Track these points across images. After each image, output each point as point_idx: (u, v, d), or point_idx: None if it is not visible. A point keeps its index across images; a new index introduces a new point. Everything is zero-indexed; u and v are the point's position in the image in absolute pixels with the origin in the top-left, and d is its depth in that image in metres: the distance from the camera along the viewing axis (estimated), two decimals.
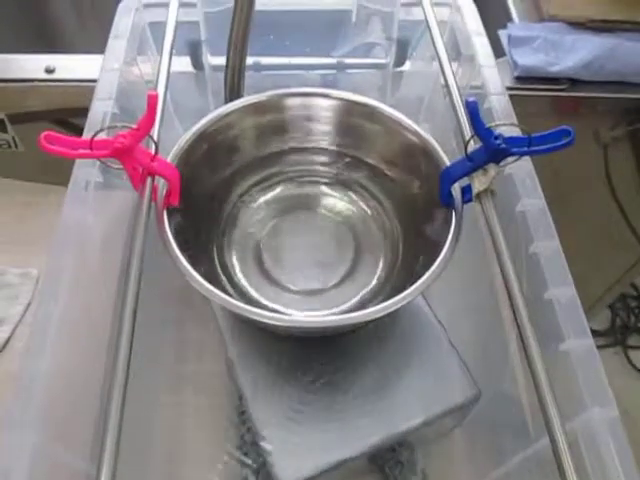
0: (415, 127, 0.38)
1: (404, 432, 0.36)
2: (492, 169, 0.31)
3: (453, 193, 0.35)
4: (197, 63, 0.49)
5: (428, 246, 0.37)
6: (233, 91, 0.42)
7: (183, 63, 0.52)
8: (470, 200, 0.34)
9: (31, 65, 0.58)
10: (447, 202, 0.35)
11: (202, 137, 0.37)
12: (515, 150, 0.30)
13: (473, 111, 0.29)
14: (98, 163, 0.33)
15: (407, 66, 0.54)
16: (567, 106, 0.63)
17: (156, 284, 0.43)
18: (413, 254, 0.38)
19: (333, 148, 0.42)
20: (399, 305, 0.30)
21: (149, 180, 0.31)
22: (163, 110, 0.34)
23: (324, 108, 0.41)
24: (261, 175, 0.42)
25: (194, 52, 0.48)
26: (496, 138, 0.30)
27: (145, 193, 0.31)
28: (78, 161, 0.33)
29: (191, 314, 0.44)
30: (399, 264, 0.39)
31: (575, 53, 0.61)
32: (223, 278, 0.38)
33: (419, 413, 0.36)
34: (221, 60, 0.44)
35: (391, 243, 0.40)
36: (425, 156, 0.38)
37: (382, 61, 0.51)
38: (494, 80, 0.40)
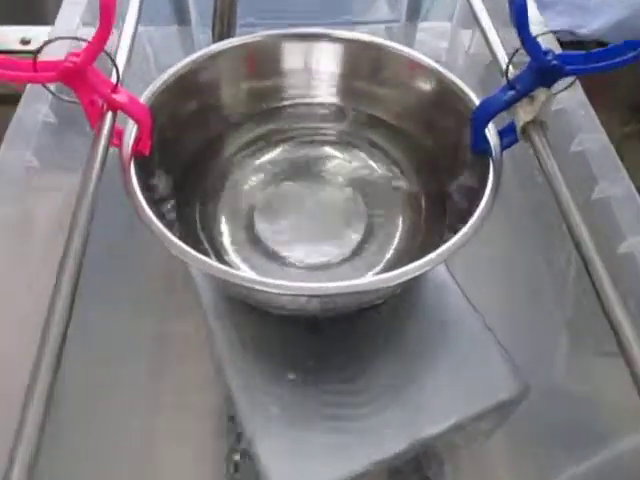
0: (436, 66, 0.32)
1: (430, 438, 0.28)
2: (542, 94, 0.24)
3: (488, 137, 0.28)
4: (181, 15, 0.43)
5: (458, 206, 0.30)
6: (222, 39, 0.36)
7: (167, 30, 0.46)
8: (511, 144, 0.28)
9: (6, 36, 0.53)
10: (482, 148, 0.28)
11: (183, 80, 0.31)
12: (570, 68, 0.24)
13: (520, 13, 0.23)
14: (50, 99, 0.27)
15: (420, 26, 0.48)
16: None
17: (131, 270, 0.37)
18: (439, 218, 0.31)
19: (339, 101, 0.36)
20: (428, 268, 0.23)
21: (109, 115, 0.25)
22: (133, 43, 0.28)
23: (327, 52, 0.35)
24: (256, 133, 0.35)
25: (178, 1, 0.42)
26: (545, 53, 0.24)
27: (103, 131, 0.24)
28: (25, 99, 0.27)
29: (173, 303, 0.37)
30: (422, 232, 0.32)
31: (602, 14, 0.55)
32: (209, 251, 0.31)
33: (449, 415, 0.28)
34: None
35: (411, 208, 0.33)
36: (449, 99, 0.31)
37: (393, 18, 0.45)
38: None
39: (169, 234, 0.23)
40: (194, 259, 0.23)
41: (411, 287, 0.32)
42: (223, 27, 0.37)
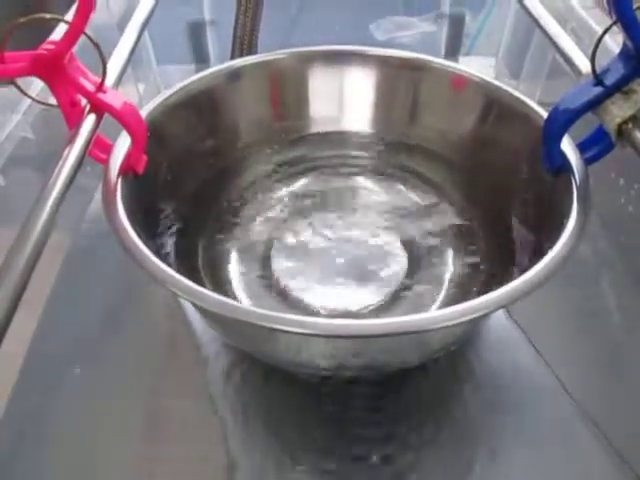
0: (487, 79, 0.27)
1: None
2: None
3: (566, 151, 0.22)
4: (199, 53, 0.40)
5: (529, 240, 0.24)
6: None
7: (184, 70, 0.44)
8: (598, 156, 0.22)
9: None
10: (559, 164, 0.22)
11: (196, 96, 0.27)
12: None
13: None
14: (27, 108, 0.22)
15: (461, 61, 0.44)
16: None
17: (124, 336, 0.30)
18: (504, 256, 0.25)
19: (372, 127, 0.31)
20: (508, 302, 0.17)
21: (91, 118, 0.20)
22: (138, 39, 0.24)
23: (359, 72, 0.30)
24: (276, 161, 0.30)
25: (195, 38, 0.39)
26: None
27: (79, 135, 0.19)
28: None
29: (172, 375, 0.30)
30: (480, 274, 0.26)
31: None
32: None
33: None
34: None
35: (464, 246, 0.27)
36: (506, 116, 0.26)
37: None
38: None
39: (151, 255, 0.17)
40: (181, 286, 0.17)
41: (466, 344, 0.25)
42: (244, 42, 0.33)
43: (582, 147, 0.23)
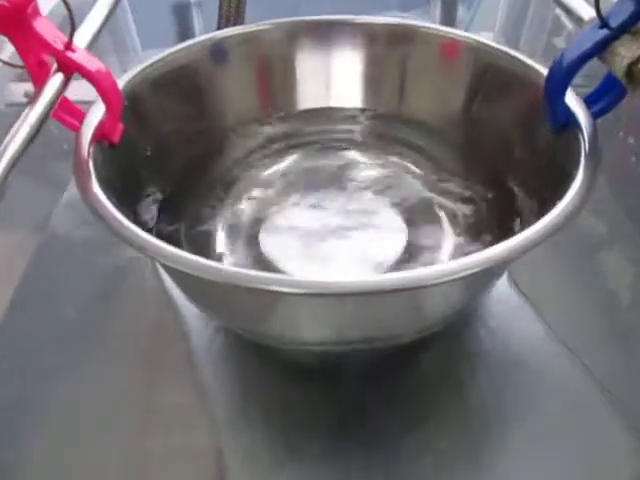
0: (483, 40, 0.26)
1: None
2: None
3: (571, 105, 0.21)
4: (185, 35, 0.39)
5: (534, 201, 0.22)
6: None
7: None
8: (607, 107, 0.20)
9: None
10: (564, 120, 0.21)
11: (176, 69, 0.25)
12: None
13: None
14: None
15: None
16: None
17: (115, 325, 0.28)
18: (506, 226, 0.23)
19: (363, 99, 0.29)
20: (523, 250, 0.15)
21: (58, 77, 0.19)
22: (113, 9, 0.23)
23: (348, 41, 0.29)
24: (264, 137, 0.29)
25: (181, 20, 0.38)
26: None
27: (43, 95, 0.18)
28: None
29: (161, 362, 0.28)
30: (481, 245, 0.24)
31: None
32: None
33: None
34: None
35: (464, 216, 0.26)
36: (503, 76, 0.25)
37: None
38: None
39: (124, 218, 0.16)
40: (156, 248, 0.15)
41: (473, 318, 0.23)
42: (231, 6, 0.32)
43: (589, 101, 0.21)
